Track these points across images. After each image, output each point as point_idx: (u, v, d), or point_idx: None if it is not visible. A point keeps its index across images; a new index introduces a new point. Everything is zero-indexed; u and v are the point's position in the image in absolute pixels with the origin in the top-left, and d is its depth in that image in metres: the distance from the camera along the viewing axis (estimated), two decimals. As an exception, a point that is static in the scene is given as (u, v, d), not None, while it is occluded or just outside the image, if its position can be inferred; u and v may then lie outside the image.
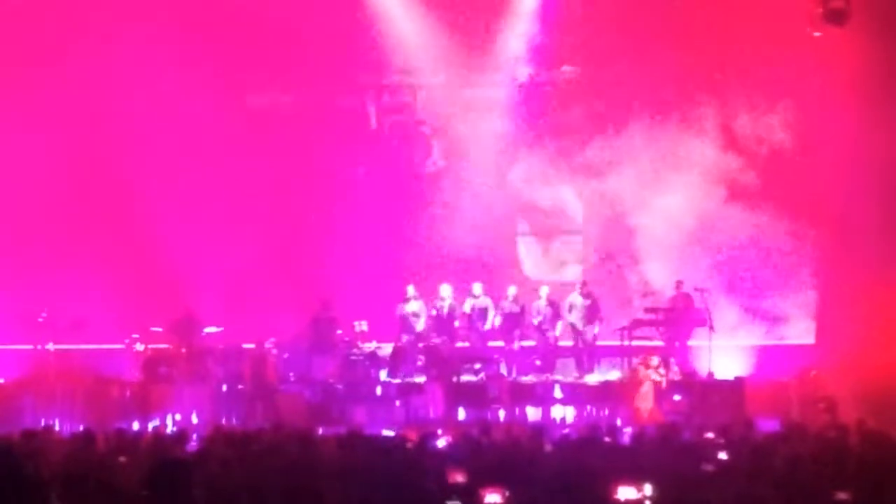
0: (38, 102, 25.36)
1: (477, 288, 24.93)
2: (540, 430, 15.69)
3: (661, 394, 22.47)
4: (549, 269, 26.75)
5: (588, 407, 23.07)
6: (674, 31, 25.46)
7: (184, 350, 23.68)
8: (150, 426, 21.43)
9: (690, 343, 24.13)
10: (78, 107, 25.31)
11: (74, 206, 25.53)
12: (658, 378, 21.88)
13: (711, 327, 23.57)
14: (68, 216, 25.48)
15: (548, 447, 13.90)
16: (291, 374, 23.87)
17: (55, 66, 25.45)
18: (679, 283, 24.62)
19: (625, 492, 10.35)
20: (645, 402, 22.36)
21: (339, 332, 24.24)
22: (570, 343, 24.69)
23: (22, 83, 25.52)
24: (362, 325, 24.36)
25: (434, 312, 24.71)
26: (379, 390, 23.46)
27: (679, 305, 24.31)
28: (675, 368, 23.15)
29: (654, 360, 22.48)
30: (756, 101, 25.73)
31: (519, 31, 26.34)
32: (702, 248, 25.70)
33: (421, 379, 23.63)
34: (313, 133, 26.55)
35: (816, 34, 23.32)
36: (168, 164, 25.51)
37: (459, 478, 11.05)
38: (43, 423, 20.62)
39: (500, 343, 24.77)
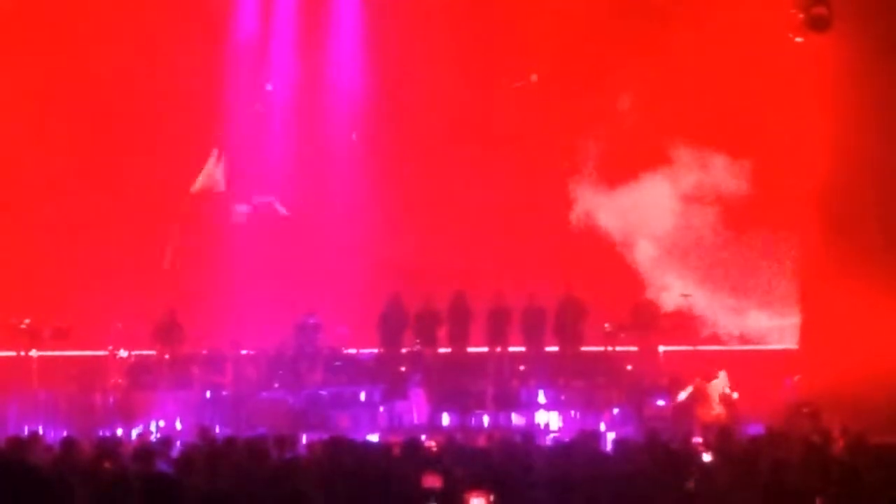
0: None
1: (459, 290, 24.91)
2: (525, 435, 15.70)
3: (731, 404, 22.28)
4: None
5: (573, 412, 23.09)
6: (655, 38, 25.49)
7: (167, 357, 23.67)
8: (134, 433, 21.41)
9: (669, 349, 24.16)
10: (61, 106, 25.42)
11: (58, 212, 25.52)
12: (728, 392, 21.94)
13: (694, 333, 23.62)
14: (51, 222, 25.45)
15: (534, 453, 13.91)
16: (275, 380, 23.84)
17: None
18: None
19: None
20: (713, 409, 22.13)
21: (323, 337, 24.20)
22: (556, 348, 24.68)
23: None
24: (345, 331, 24.35)
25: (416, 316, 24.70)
26: (363, 396, 23.44)
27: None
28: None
29: (722, 375, 22.37)
30: (738, 106, 25.76)
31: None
32: (686, 254, 25.73)
33: (405, 384, 23.59)
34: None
35: (798, 40, 23.36)
36: (155, 172, 25.58)
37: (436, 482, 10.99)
38: (27, 431, 20.56)
39: (484, 349, 24.77)
